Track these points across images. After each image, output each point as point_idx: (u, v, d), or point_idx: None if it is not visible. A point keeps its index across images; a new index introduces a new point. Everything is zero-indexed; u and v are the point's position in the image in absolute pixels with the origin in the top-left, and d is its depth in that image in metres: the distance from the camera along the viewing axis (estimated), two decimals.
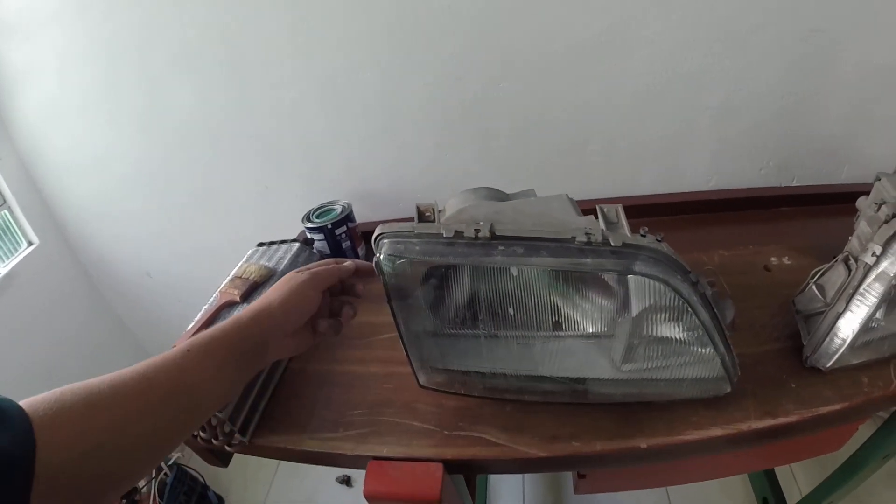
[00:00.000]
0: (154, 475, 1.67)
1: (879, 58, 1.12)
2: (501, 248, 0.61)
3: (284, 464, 1.92)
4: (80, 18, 1.21)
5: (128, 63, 1.26)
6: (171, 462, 1.73)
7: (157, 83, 1.28)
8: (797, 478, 1.62)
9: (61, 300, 1.63)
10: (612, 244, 0.58)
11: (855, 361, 0.77)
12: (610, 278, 0.64)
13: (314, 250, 1.15)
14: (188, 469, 1.77)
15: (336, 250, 1.16)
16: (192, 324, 0.90)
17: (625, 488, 1.37)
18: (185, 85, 1.27)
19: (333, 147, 1.32)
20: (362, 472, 0.73)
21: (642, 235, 0.60)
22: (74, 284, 1.68)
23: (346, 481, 1.82)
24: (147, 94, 1.30)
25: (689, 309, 0.62)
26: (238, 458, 0.92)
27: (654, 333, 0.67)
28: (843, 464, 1.16)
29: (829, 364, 0.77)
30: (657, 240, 0.60)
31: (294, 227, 1.22)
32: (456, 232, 0.62)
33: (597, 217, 0.67)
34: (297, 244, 1.12)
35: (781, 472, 1.57)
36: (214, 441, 0.79)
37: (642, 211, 1.23)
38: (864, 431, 1.07)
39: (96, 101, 1.33)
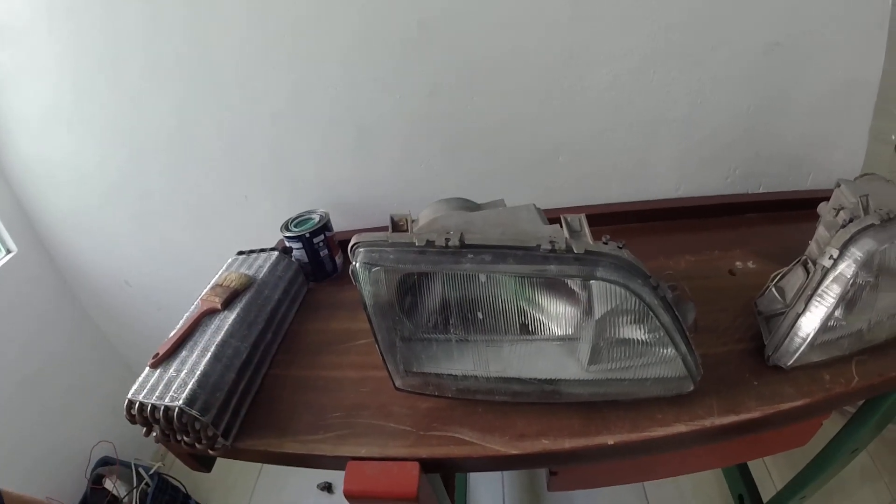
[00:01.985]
0: (135, 485, 1.67)
1: (836, 70, 1.17)
2: (470, 255, 0.64)
3: (265, 472, 1.92)
4: (59, 29, 1.21)
5: (107, 74, 1.26)
6: (151, 472, 1.73)
7: (136, 94, 1.28)
8: (772, 474, 1.66)
9: (39, 308, 1.62)
10: (575, 251, 0.61)
11: (816, 359, 0.81)
12: (574, 284, 0.67)
13: (293, 259, 1.17)
14: (169, 478, 1.77)
15: (314, 259, 1.18)
16: (174, 331, 0.92)
17: (597, 485, 1.39)
18: (163, 96, 1.28)
19: (309, 159, 1.34)
20: (343, 479, 0.74)
21: (604, 243, 0.63)
22: (52, 292, 1.68)
23: (328, 488, 1.82)
24: (126, 104, 1.30)
25: (650, 312, 0.65)
26: (219, 467, 0.94)
27: (618, 336, 0.71)
28: (813, 458, 1.19)
29: (791, 362, 0.80)
30: (618, 247, 0.63)
31: (272, 236, 1.23)
32: (427, 241, 0.65)
33: (561, 226, 0.70)
34: (276, 252, 1.14)
35: (756, 469, 1.60)
36: (198, 445, 0.80)
37: (612, 219, 1.27)
38: (834, 426, 1.10)
39: (75, 111, 1.33)
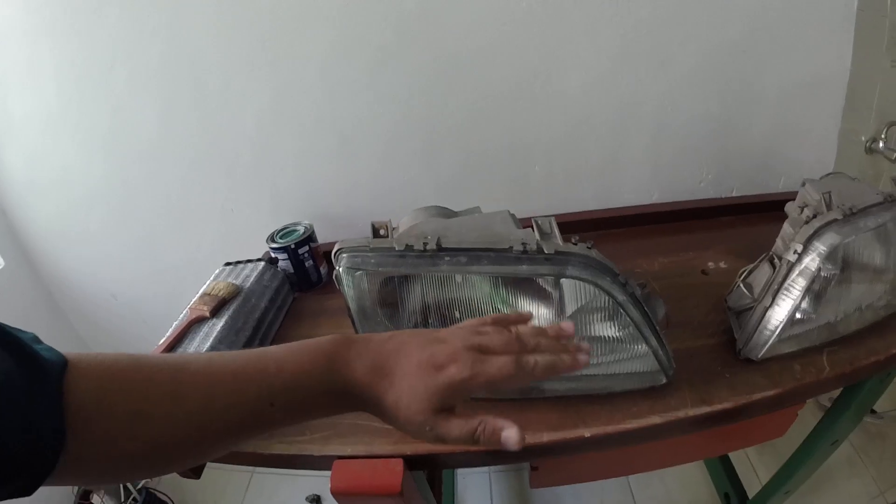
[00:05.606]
0: (123, 500, 1.67)
1: (799, 75, 1.22)
2: (447, 258, 0.67)
3: (254, 484, 1.92)
4: (43, 36, 1.21)
5: (91, 82, 1.26)
6: (139, 486, 1.73)
7: (120, 103, 1.29)
8: (758, 472, 1.69)
9: (24, 322, 1.60)
10: (546, 252, 0.65)
11: (787, 350, 0.84)
12: (545, 283, 0.70)
13: (278, 269, 1.19)
14: (157, 493, 1.77)
15: (299, 269, 1.20)
16: (163, 339, 0.94)
17: (577, 480, 1.42)
18: (148, 105, 1.28)
19: (293, 171, 1.35)
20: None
21: (574, 244, 0.67)
22: (38, 305, 1.67)
23: (317, 500, 1.82)
24: (110, 113, 1.30)
25: (620, 308, 0.68)
26: (208, 479, 0.95)
27: (591, 333, 0.74)
28: (794, 452, 1.23)
29: (761, 354, 0.83)
30: (587, 247, 0.66)
31: (257, 248, 1.25)
32: (406, 245, 0.68)
33: (533, 229, 0.73)
34: (263, 263, 1.17)
35: (742, 466, 1.64)
36: None
37: (587, 225, 1.30)
38: (814, 420, 1.14)
39: (59, 120, 1.32)
